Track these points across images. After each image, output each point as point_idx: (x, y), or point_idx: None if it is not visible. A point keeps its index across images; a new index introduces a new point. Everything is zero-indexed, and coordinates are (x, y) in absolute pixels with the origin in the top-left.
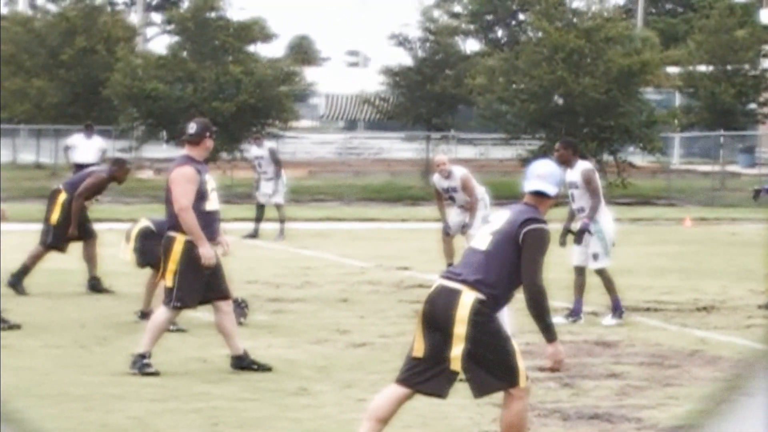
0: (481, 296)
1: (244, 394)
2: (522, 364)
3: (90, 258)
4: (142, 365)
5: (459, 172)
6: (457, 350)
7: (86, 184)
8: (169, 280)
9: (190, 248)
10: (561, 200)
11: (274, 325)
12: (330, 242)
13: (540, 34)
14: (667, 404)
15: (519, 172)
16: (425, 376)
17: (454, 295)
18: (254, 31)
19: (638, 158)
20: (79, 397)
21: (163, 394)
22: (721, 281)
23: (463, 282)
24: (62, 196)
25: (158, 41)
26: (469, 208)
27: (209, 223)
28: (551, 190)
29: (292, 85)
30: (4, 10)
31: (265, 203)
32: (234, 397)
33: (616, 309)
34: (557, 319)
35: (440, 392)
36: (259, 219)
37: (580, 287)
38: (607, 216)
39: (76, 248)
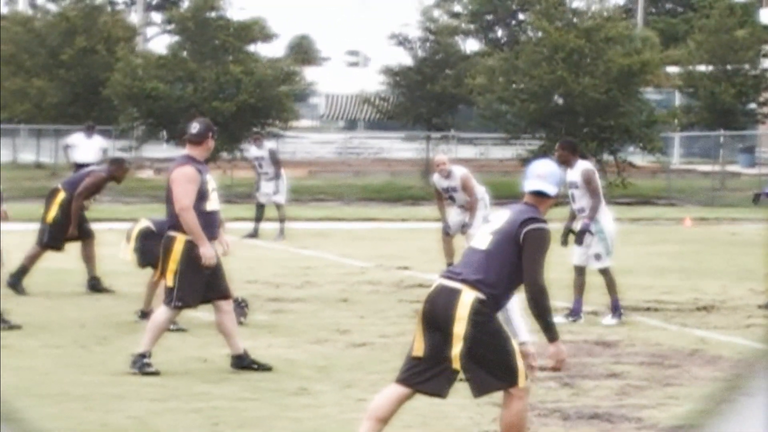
0: (481, 296)
1: (244, 394)
2: (522, 363)
3: (89, 258)
4: (142, 365)
5: (459, 171)
6: (456, 350)
7: (85, 184)
8: (169, 280)
9: (191, 248)
10: (561, 200)
11: (274, 324)
12: (330, 242)
13: (540, 33)
14: (667, 404)
15: (519, 171)
16: (425, 375)
17: (454, 294)
18: (254, 30)
19: (638, 158)
20: (79, 396)
21: (164, 394)
22: (721, 281)
23: (463, 281)
24: (61, 195)
25: (158, 41)
26: (469, 207)
27: (210, 223)
28: (551, 189)
29: (292, 85)
30: (5, 10)
31: (266, 203)
32: (234, 397)
33: (616, 309)
34: (557, 319)
35: (440, 392)
36: (258, 219)
37: (580, 287)
38: (607, 216)
39: (74, 248)
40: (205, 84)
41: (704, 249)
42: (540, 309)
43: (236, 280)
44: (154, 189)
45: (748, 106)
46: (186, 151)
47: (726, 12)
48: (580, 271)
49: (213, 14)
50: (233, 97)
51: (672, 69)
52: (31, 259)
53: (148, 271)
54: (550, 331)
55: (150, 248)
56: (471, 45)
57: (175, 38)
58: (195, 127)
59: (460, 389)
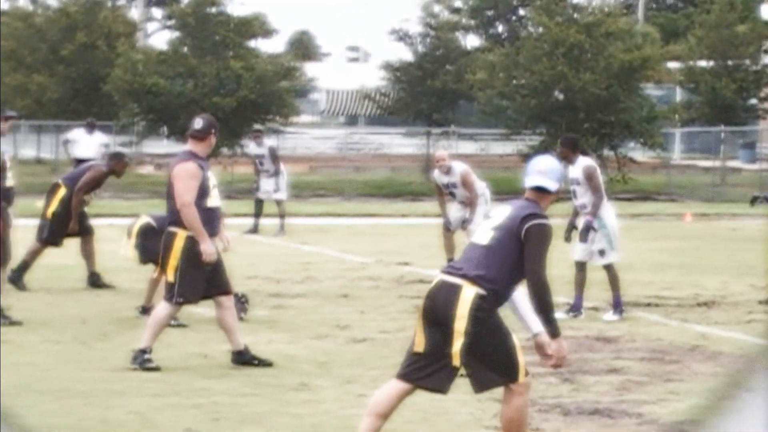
0: (481, 291)
1: (244, 390)
2: (522, 359)
3: (88, 254)
4: (143, 360)
5: (459, 167)
6: (457, 346)
7: (86, 179)
8: (170, 276)
9: (192, 244)
10: (562, 196)
11: (274, 320)
12: (330, 238)
13: (540, 29)
14: (668, 399)
15: (520, 167)
16: (426, 371)
17: (455, 290)
18: (255, 26)
19: (639, 154)
20: (80, 392)
21: (164, 390)
22: (721, 277)
23: (464, 277)
24: (62, 191)
25: (159, 36)
26: (470, 203)
27: (211, 219)
28: (552, 185)
29: (292, 81)
30: (5, 6)
31: (265, 199)
32: (235, 393)
33: (617, 306)
34: (558, 315)
35: (441, 388)
36: (258, 214)
37: (580, 283)
38: (609, 211)
39: (74, 244)
40: (206, 80)
41: (705, 245)
42: (542, 305)
43: (237, 276)
44: (155, 185)
45: (749, 102)
46: (188, 146)
47: (726, 7)
48: (581, 266)
49: (213, 10)
50: (234, 92)
51: (673, 64)
52: (32, 255)
53: (149, 267)
54: (551, 327)
55: (151, 244)
56: (471, 40)
57: (176, 34)
58: (198, 123)
59: (461, 385)
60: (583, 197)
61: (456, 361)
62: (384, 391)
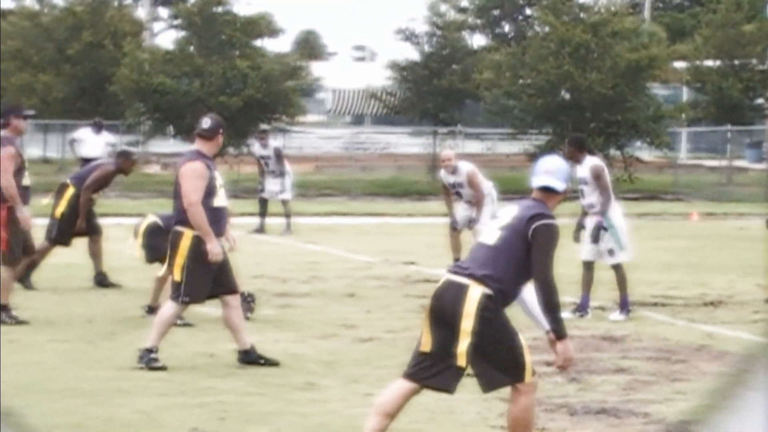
0: (488, 291)
1: (250, 389)
2: (529, 358)
3: (95, 254)
4: (149, 360)
5: (465, 167)
6: (463, 345)
7: (94, 177)
8: (176, 275)
9: (198, 243)
10: (569, 195)
11: (280, 319)
12: (336, 237)
13: (547, 28)
14: (675, 399)
15: (526, 166)
16: (432, 371)
17: (462, 289)
18: (261, 25)
19: (645, 153)
20: (86, 391)
21: (170, 389)
22: (728, 276)
23: (471, 277)
24: (70, 191)
25: (165, 36)
26: (476, 203)
27: (217, 219)
28: (559, 185)
29: (298, 80)
30: (12, 5)
31: (269, 198)
32: (241, 392)
33: (624, 306)
34: (564, 314)
35: (447, 387)
36: (263, 214)
37: (587, 282)
38: (617, 211)
39: (81, 243)
40: (212, 79)
41: (711, 244)
42: (549, 305)
43: (243, 275)
44: (161, 184)
45: (756, 101)
46: (195, 146)
47: (733, 7)
48: (589, 266)
49: (220, 9)
50: (240, 92)
51: (679, 64)
52: (40, 254)
53: (156, 267)
54: (558, 328)
55: (157, 244)
56: (478, 40)
57: (182, 33)
58: (206, 123)
59: (468, 384)
60: (591, 197)
61: (462, 360)
62: (390, 390)
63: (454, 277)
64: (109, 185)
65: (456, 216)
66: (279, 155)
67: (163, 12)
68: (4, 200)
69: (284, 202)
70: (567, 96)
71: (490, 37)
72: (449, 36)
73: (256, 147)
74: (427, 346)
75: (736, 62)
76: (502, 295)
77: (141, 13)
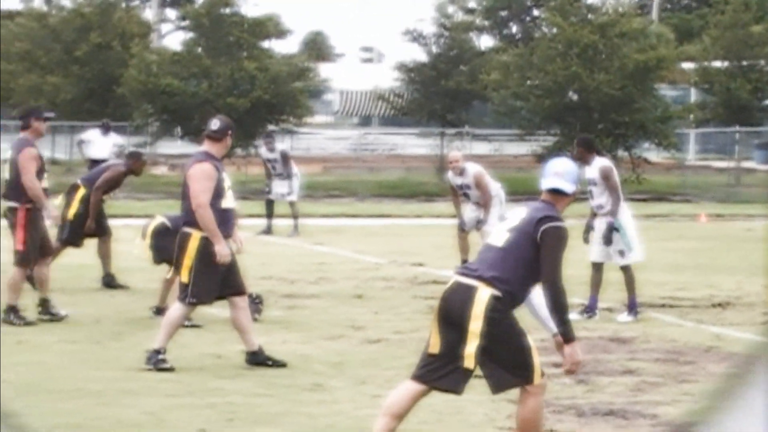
0: (496, 293)
1: (258, 390)
2: (538, 360)
3: (104, 255)
4: (157, 361)
5: (472, 169)
6: (471, 347)
7: (104, 178)
8: (184, 276)
9: (206, 244)
10: (578, 196)
11: (288, 320)
12: (344, 238)
13: (554, 29)
14: (683, 401)
15: (534, 168)
16: (441, 372)
17: (470, 291)
18: (269, 27)
19: (653, 154)
20: (94, 392)
21: (178, 390)
22: (736, 277)
23: (479, 278)
24: (81, 192)
25: (173, 37)
26: (484, 204)
27: (225, 220)
28: (569, 187)
29: (306, 81)
30: (20, 6)
31: (276, 200)
32: (249, 393)
33: (632, 308)
34: (572, 316)
35: (456, 388)
36: (270, 215)
37: (596, 283)
38: (626, 212)
39: (91, 244)
40: (220, 80)
41: (719, 245)
42: (557, 308)
43: (251, 277)
44: (169, 185)
45: (764, 102)
46: (204, 147)
47: (741, 8)
48: (598, 267)
49: (227, 10)
50: (248, 93)
51: (687, 65)
52: (52, 255)
53: (163, 268)
54: (566, 331)
55: (165, 245)
56: (485, 41)
57: (190, 34)
58: (215, 124)
59: (476, 385)
60: (600, 198)
61: (469, 362)
62: (399, 391)
63: (462, 279)
64: (120, 186)
65: (464, 217)
66: (286, 157)
67: (171, 13)
68: (25, 201)
69: (291, 204)
70: (575, 97)
71: (497, 38)
72: (457, 37)
73: (262, 150)
74: (435, 347)
75: (744, 63)
76: (510, 296)
77: (149, 14)
